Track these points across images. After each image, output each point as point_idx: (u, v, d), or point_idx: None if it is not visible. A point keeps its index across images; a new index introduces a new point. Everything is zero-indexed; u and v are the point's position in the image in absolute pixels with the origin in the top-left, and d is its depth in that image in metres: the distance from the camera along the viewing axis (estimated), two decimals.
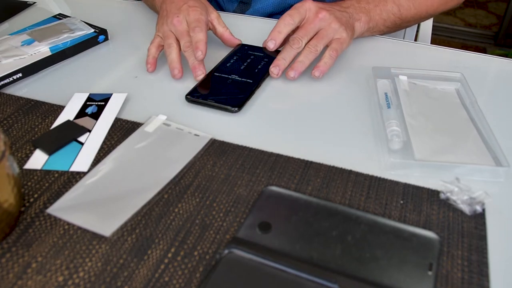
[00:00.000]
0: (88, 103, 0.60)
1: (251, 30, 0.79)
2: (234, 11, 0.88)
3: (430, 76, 0.63)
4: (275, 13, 0.87)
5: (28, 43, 0.68)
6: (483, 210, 0.45)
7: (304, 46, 0.63)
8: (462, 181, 0.47)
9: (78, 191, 0.47)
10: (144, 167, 0.50)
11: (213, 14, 0.70)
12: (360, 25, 0.69)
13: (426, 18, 0.77)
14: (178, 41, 0.65)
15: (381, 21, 0.70)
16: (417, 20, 0.76)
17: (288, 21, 0.64)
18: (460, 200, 0.45)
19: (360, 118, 0.58)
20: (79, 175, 0.49)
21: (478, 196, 0.45)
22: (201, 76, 0.63)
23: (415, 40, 0.94)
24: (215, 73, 0.64)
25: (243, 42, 0.72)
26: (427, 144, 0.51)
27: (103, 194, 0.46)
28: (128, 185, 0.47)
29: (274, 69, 0.63)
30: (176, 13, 0.66)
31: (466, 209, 0.45)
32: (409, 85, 0.61)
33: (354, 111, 0.59)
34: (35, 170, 0.49)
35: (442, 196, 0.46)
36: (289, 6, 0.85)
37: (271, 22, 0.82)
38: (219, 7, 0.91)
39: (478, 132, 0.53)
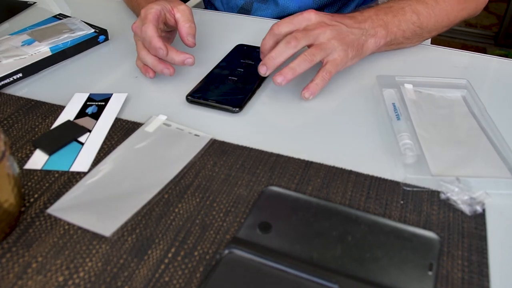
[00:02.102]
0: (88, 103, 0.60)
1: (252, 30, 0.79)
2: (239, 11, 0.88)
3: (436, 84, 0.62)
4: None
5: (28, 43, 0.68)
6: (483, 210, 0.45)
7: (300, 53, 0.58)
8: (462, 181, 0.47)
9: (78, 191, 0.47)
10: (144, 167, 0.50)
11: (180, 7, 0.64)
12: (376, 41, 0.63)
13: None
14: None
15: (400, 32, 0.65)
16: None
17: (274, 31, 0.59)
18: (461, 200, 0.45)
19: (363, 119, 0.58)
20: (79, 175, 0.49)
21: (478, 196, 0.45)
22: (189, 59, 0.60)
23: None
24: (215, 73, 0.64)
25: (244, 43, 0.72)
26: (441, 157, 0.50)
27: (103, 194, 0.46)
28: (128, 185, 0.47)
29: (261, 68, 0.58)
30: (137, 20, 0.64)
31: (466, 209, 0.45)
32: (415, 93, 0.60)
33: (356, 112, 0.59)
34: (35, 170, 0.49)
35: (442, 196, 0.46)
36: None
37: (272, 23, 0.82)
38: None
39: (490, 142, 0.52)
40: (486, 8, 3.03)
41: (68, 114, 0.58)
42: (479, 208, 0.44)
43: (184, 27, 0.63)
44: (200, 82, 0.62)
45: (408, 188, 0.47)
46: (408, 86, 0.61)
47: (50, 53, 0.67)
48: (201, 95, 0.60)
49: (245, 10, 0.86)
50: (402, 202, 0.46)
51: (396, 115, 0.55)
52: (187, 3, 1.02)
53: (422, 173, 0.48)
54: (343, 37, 0.59)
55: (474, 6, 0.72)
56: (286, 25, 0.59)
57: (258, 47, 0.70)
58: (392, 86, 0.61)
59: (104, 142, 0.53)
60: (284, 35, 0.59)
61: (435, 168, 0.49)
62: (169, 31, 0.68)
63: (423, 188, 0.47)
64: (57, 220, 0.44)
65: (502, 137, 0.52)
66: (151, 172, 0.49)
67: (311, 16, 0.59)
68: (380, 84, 0.62)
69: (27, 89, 0.63)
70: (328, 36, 0.58)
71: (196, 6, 1.05)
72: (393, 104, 0.57)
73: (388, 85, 0.61)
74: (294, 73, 0.57)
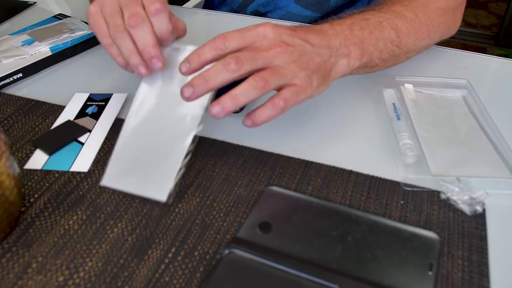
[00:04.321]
0: (88, 103, 0.60)
1: None
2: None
3: (436, 84, 0.62)
4: (262, 13, 0.86)
5: (28, 43, 0.68)
6: (484, 210, 0.45)
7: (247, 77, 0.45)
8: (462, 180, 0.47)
9: (119, 155, 0.47)
10: (176, 109, 0.47)
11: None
12: (348, 63, 0.51)
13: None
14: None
15: (377, 53, 0.54)
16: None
17: (218, 44, 0.45)
18: (461, 200, 0.45)
19: (363, 119, 0.58)
20: (79, 175, 0.49)
21: (478, 196, 0.45)
22: (158, 64, 0.48)
23: None
24: None
25: None
26: (441, 157, 0.50)
27: (145, 153, 0.47)
28: (165, 134, 0.47)
29: (186, 90, 0.44)
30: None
31: (466, 209, 0.45)
32: (416, 93, 0.60)
33: (356, 112, 0.59)
34: (36, 170, 0.49)
35: (442, 196, 0.46)
36: (279, 7, 0.85)
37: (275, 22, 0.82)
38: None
39: (490, 142, 0.52)
40: (486, 8, 3.03)
41: (68, 114, 0.58)
42: (479, 208, 0.44)
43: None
44: None
45: (408, 188, 0.47)
46: (408, 86, 0.61)
47: (50, 53, 0.67)
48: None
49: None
50: (402, 202, 0.46)
51: (396, 115, 0.55)
52: (188, 3, 1.03)
53: (422, 173, 0.48)
54: (306, 61, 0.46)
55: (453, 21, 0.66)
56: (235, 39, 0.45)
57: None
58: (392, 86, 0.61)
59: (104, 142, 0.53)
60: (230, 52, 0.45)
61: (435, 168, 0.49)
62: None
63: (423, 188, 0.47)
64: (57, 220, 0.44)
65: (502, 137, 0.52)
66: (182, 114, 0.47)
67: (267, 32, 0.46)
68: (380, 84, 0.62)
69: (27, 89, 0.63)
70: (287, 60, 0.45)
71: (197, 6, 1.05)
72: (393, 104, 0.57)
73: (388, 85, 0.61)
74: (236, 104, 0.44)
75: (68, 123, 0.56)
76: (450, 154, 0.51)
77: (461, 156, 0.51)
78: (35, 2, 0.89)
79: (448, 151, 0.51)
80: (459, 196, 0.45)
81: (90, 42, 0.72)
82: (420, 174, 0.48)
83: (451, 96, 0.61)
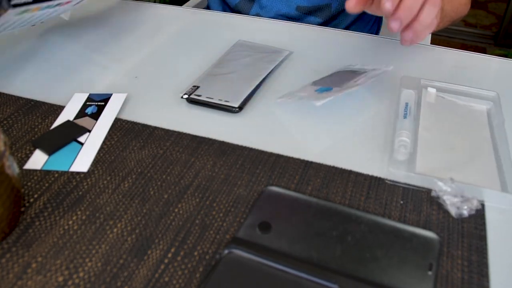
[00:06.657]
0: (88, 103, 0.60)
1: (250, 30, 0.79)
2: (236, 5, 0.88)
3: (462, 92, 0.61)
4: (281, 14, 0.86)
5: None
6: (483, 210, 0.45)
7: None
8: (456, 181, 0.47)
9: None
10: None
11: None
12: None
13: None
14: None
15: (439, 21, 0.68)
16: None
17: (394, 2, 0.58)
18: (450, 201, 0.44)
19: (368, 119, 0.58)
20: (79, 175, 0.49)
21: (469, 200, 0.44)
22: None
23: None
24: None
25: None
26: (434, 159, 0.50)
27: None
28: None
29: (394, 23, 0.57)
30: None
31: (453, 211, 0.44)
32: (437, 98, 0.59)
33: (362, 112, 0.59)
34: (35, 170, 0.49)
35: (433, 194, 0.46)
36: (296, 7, 0.86)
37: (276, 23, 0.82)
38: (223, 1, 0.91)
39: (494, 153, 0.51)
40: (485, 8, 3.03)
41: (68, 114, 0.58)
42: (465, 213, 0.44)
43: None
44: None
45: (391, 182, 0.47)
46: (431, 90, 0.60)
47: None
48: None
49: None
50: (401, 202, 0.46)
51: (404, 114, 0.55)
52: (187, 3, 1.03)
53: (407, 170, 0.48)
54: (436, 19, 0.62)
55: (466, 9, 0.80)
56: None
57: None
58: (414, 88, 0.60)
59: (104, 142, 0.53)
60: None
61: (421, 166, 0.48)
62: None
63: (408, 184, 0.47)
64: (57, 220, 0.44)
65: (509, 152, 0.50)
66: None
67: None
68: (402, 85, 0.61)
69: (27, 89, 0.63)
70: (428, 19, 0.59)
71: (196, 6, 1.05)
72: (406, 104, 0.57)
73: (411, 86, 0.60)
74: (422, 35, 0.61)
75: (67, 123, 0.56)
76: (445, 157, 0.50)
77: (457, 161, 0.50)
78: None
79: (444, 155, 0.51)
80: (448, 197, 0.45)
81: None
82: (404, 170, 0.48)
83: (474, 106, 0.59)
